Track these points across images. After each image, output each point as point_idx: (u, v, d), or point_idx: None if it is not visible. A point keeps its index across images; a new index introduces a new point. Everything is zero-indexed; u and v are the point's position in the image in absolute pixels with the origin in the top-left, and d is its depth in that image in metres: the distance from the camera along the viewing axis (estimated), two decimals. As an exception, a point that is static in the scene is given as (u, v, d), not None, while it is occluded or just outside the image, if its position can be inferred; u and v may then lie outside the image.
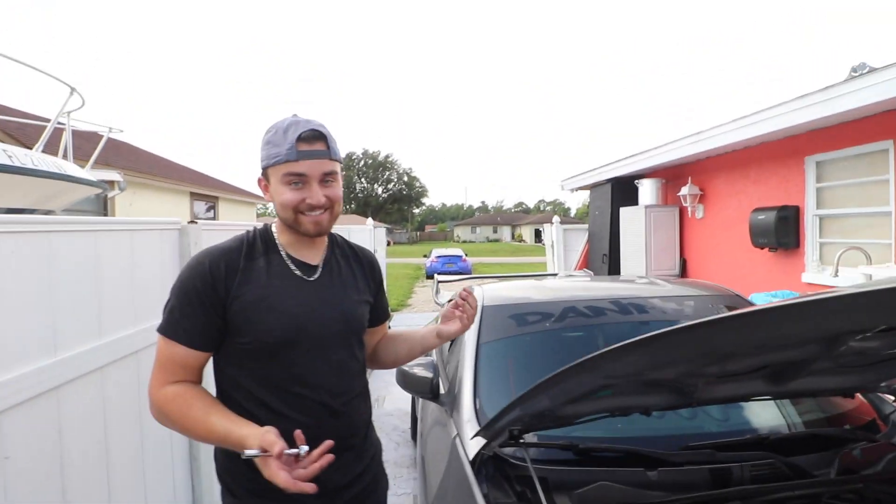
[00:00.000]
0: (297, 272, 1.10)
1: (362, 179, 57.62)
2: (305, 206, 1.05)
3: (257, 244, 1.11)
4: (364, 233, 7.41)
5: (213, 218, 12.52)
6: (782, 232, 4.19)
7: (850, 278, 3.57)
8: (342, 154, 1.15)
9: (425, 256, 19.85)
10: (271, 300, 1.05)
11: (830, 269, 3.81)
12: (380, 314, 1.30)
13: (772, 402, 1.64)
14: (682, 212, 5.87)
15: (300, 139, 1.03)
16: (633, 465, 1.29)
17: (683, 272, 5.89)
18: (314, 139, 1.05)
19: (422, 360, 1.89)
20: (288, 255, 1.12)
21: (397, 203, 53.59)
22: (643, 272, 5.79)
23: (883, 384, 1.32)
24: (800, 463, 1.30)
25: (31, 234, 1.28)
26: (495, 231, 65.12)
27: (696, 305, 2.06)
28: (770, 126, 3.91)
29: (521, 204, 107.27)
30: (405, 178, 54.96)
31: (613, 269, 6.72)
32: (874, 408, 1.66)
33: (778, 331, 0.71)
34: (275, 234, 1.14)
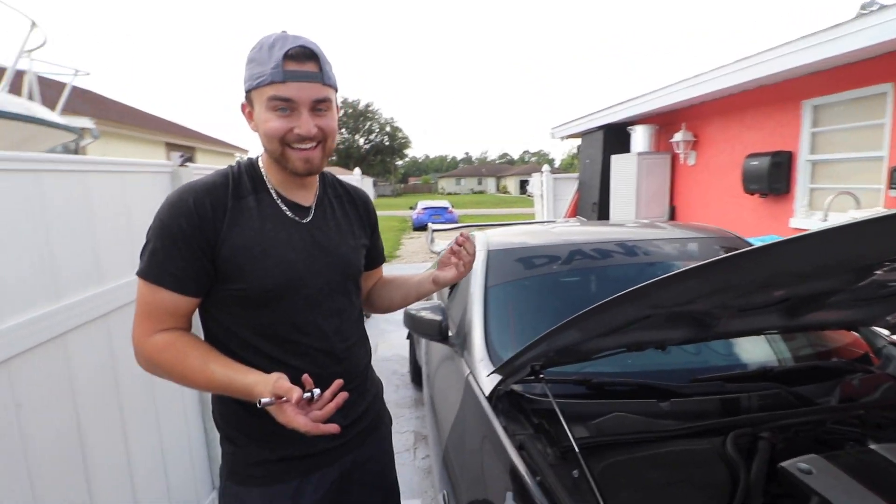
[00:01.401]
0: (290, 214, 1.01)
1: (343, 130, 55.85)
2: (294, 137, 0.94)
3: (244, 181, 0.99)
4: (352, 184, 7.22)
5: (192, 169, 12.15)
6: (775, 177, 4.22)
7: (839, 222, 3.64)
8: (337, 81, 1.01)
9: (411, 209, 19.77)
10: (265, 245, 0.96)
11: (819, 214, 3.88)
12: (375, 258, 1.23)
13: (769, 337, 1.70)
14: (674, 159, 5.86)
15: (288, 57, 0.90)
16: (645, 398, 1.33)
17: (672, 219, 5.96)
18: (304, 58, 0.91)
19: (427, 303, 1.90)
20: (278, 194, 1.01)
21: (380, 154, 52.35)
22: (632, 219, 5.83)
23: (889, 317, 1.36)
24: (804, 392, 1.36)
25: (21, 174, 1.20)
26: (480, 182, 64.65)
27: (700, 246, 2.08)
28: (772, 67, 3.83)
29: (505, 155, 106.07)
30: (387, 129, 53.44)
31: (603, 217, 6.76)
32: (867, 342, 1.73)
33: (830, 254, 0.71)
34: (262, 171, 1.02)
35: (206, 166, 2.20)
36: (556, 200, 8.00)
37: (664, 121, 5.99)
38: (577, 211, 7.59)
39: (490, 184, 63.93)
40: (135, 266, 1.66)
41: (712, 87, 4.58)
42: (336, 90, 1.00)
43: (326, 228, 1.05)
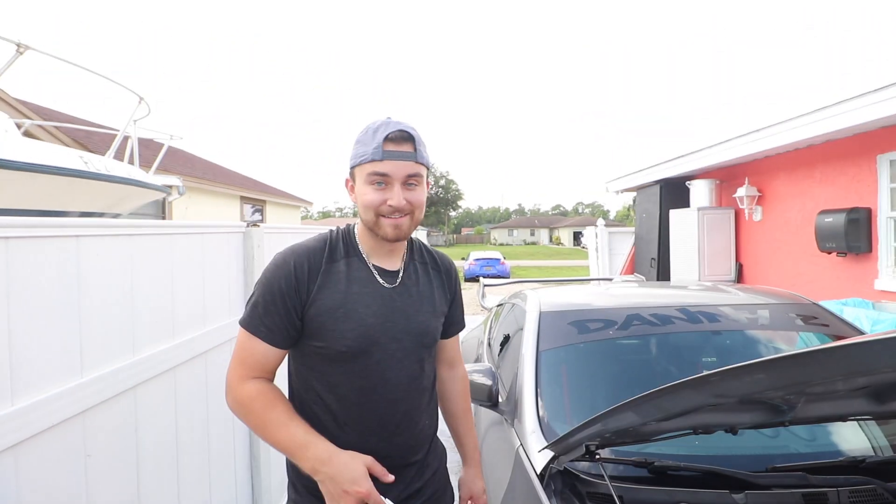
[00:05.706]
0: (377, 278, 1.08)
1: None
2: (387, 209, 1.03)
3: (339, 246, 1.09)
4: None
5: (261, 220, 12.99)
6: (853, 235, 3.90)
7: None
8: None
9: (463, 259, 19.97)
10: (347, 308, 1.03)
11: (911, 277, 3.51)
12: (451, 325, 1.24)
13: (862, 422, 1.50)
14: (738, 214, 5.58)
15: (387, 139, 1.02)
16: (715, 487, 1.20)
17: (739, 278, 5.60)
18: (402, 140, 1.03)
19: (480, 366, 1.85)
20: (368, 259, 1.10)
21: (434, 206, 54.21)
22: (696, 277, 5.54)
23: None
24: (906, 491, 1.17)
25: (154, 237, 1.40)
26: (532, 234, 64.41)
27: (771, 314, 1.92)
28: (840, 122, 3.64)
29: (558, 206, 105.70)
30: (442, 182, 55.56)
31: (662, 274, 6.47)
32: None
33: None
34: (356, 237, 1.12)
35: (274, 226, 2.35)
36: (611, 255, 7.77)
37: (725, 175, 5.77)
38: (634, 267, 7.32)
39: (543, 235, 63.53)
40: (207, 321, 1.75)
41: (773, 143, 4.39)
42: (428, 168, 1.10)
43: (408, 295, 1.11)
